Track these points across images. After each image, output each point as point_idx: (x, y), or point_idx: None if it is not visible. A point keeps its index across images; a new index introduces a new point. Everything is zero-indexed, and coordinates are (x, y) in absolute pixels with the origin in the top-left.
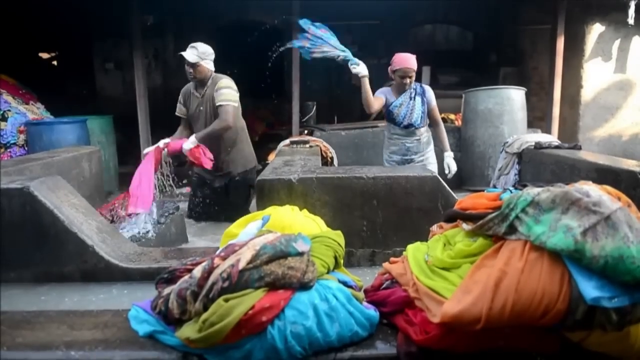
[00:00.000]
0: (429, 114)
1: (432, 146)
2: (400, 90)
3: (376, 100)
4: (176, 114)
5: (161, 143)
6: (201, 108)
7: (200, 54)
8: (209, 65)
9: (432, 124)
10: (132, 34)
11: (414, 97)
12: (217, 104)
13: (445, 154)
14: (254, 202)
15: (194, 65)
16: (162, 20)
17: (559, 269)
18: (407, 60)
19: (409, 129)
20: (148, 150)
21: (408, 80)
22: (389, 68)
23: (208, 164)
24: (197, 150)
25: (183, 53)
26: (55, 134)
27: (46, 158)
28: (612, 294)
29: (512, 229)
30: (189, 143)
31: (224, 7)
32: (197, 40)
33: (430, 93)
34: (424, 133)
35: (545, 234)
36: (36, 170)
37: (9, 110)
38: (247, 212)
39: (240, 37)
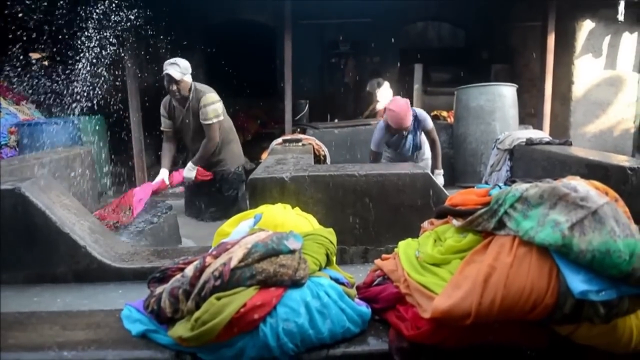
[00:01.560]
0: (426, 136)
1: (426, 151)
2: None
3: (372, 160)
4: (162, 128)
5: (165, 178)
6: (187, 121)
7: (182, 69)
8: (189, 79)
9: (430, 143)
10: (125, 33)
11: (406, 135)
12: (203, 122)
13: (436, 171)
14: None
15: (178, 82)
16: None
17: (547, 263)
18: (402, 120)
19: (404, 156)
20: (155, 183)
21: (405, 132)
22: (385, 115)
23: (208, 177)
24: (197, 174)
25: (169, 72)
26: (46, 134)
27: (38, 159)
28: (600, 287)
29: (501, 225)
30: (189, 172)
31: (216, 5)
32: (190, 39)
33: (424, 120)
34: (419, 156)
35: (533, 229)
36: (27, 171)
37: None
38: (240, 208)
39: (232, 36)
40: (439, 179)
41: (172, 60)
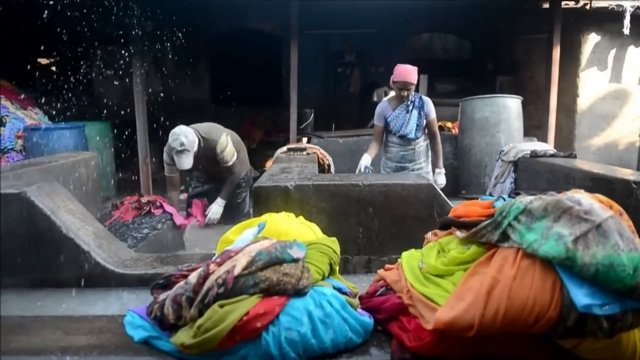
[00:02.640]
0: (427, 126)
1: (429, 156)
2: (399, 101)
3: (375, 136)
4: (166, 174)
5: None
6: (200, 166)
7: (188, 147)
8: (196, 143)
9: (429, 136)
10: (131, 40)
11: (411, 110)
12: (224, 165)
13: (437, 170)
14: None
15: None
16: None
17: (550, 276)
18: (407, 74)
19: (404, 139)
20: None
21: (406, 93)
22: (391, 77)
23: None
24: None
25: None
26: (53, 139)
27: (44, 163)
28: (603, 301)
29: (504, 237)
30: (219, 207)
31: (222, 14)
32: (197, 47)
33: (429, 106)
34: (421, 143)
35: (537, 241)
36: (33, 175)
37: (7, 116)
38: (247, 213)
39: (238, 45)
40: (440, 178)
41: (178, 145)
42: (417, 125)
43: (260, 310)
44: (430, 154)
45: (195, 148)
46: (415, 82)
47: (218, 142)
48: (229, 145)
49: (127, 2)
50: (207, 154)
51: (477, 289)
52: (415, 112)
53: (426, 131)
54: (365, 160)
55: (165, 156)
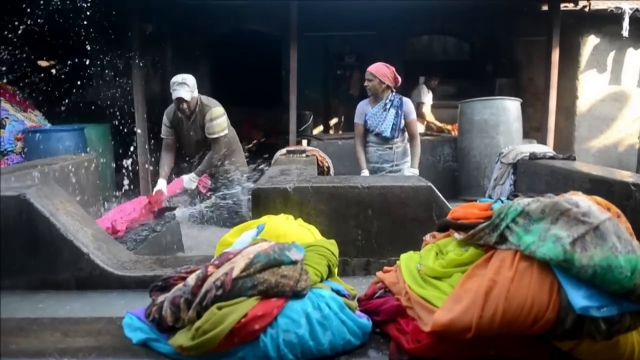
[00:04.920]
0: (407, 127)
1: (408, 158)
2: (375, 99)
3: (357, 137)
4: (162, 136)
5: (163, 188)
6: (191, 133)
7: (191, 88)
8: (196, 94)
9: (409, 137)
10: (131, 42)
11: (389, 109)
12: (210, 136)
13: (410, 169)
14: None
15: (188, 101)
16: (160, 29)
17: (548, 278)
18: (372, 67)
19: (380, 137)
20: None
21: (367, 84)
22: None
23: (207, 189)
24: (199, 184)
25: (180, 95)
26: (52, 141)
27: (43, 166)
28: (601, 303)
29: (502, 239)
30: (191, 182)
31: (222, 16)
32: (197, 49)
33: (408, 106)
34: (399, 144)
35: (534, 243)
36: (33, 177)
37: (6, 118)
38: (244, 215)
39: (238, 46)
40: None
41: (180, 79)
42: (394, 124)
43: (259, 313)
44: (408, 157)
45: (195, 94)
46: (381, 75)
47: (212, 109)
48: (222, 117)
49: (127, 3)
50: (200, 120)
51: (474, 291)
52: (392, 111)
53: (404, 133)
54: (365, 174)
55: (165, 118)
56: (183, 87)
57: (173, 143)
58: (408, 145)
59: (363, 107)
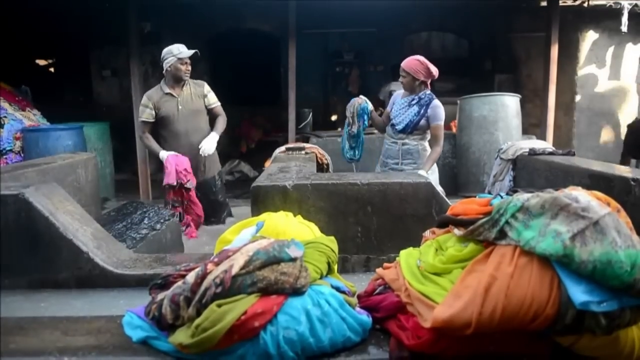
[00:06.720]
0: (430, 131)
1: (416, 161)
2: (407, 92)
3: (383, 117)
4: (143, 119)
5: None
6: (180, 107)
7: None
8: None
9: (431, 141)
10: (130, 41)
11: (413, 105)
12: (211, 106)
13: (420, 171)
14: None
15: (190, 63)
16: (159, 27)
17: (548, 273)
18: (405, 62)
19: (393, 128)
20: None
21: (401, 80)
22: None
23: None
24: (183, 178)
25: (190, 53)
26: (51, 140)
27: (42, 165)
28: (601, 298)
29: (502, 234)
30: (213, 143)
31: (220, 14)
32: (195, 48)
33: (435, 111)
34: (408, 142)
35: (534, 239)
36: (32, 176)
37: (5, 117)
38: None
39: (237, 45)
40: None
41: (177, 45)
42: (410, 121)
43: (258, 310)
44: (420, 160)
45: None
46: (412, 71)
47: (205, 83)
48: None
49: (126, 2)
50: (195, 92)
51: (474, 287)
52: (415, 108)
53: (422, 134)
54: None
55: (145, 99)
56: (184, 48)
57: (153, 126)
58: (419, 149)
59: (395, 97)
